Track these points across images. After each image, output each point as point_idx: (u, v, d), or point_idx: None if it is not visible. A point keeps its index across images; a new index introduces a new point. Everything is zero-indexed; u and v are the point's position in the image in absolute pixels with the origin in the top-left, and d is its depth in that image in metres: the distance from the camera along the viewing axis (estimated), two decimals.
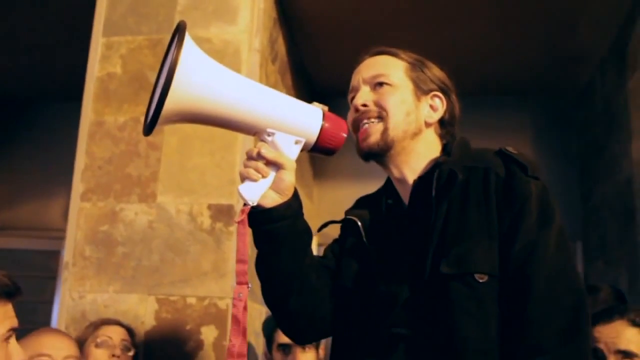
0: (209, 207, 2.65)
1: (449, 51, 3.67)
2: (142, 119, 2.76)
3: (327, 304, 1.54)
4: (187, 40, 1.23)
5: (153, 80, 2.87)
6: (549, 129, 4.43)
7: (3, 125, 5.08)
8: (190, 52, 1.24)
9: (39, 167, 4.89)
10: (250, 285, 1.32)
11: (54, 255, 4.76)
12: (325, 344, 2.60)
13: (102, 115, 2.82)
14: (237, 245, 1.33)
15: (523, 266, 1.32)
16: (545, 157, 4.28)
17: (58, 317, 2.70)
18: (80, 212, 2.73)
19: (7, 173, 5.01)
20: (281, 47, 3.44)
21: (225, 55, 2.75)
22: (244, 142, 2.67)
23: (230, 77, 1.33)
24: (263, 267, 1.47)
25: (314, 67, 4.21)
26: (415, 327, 1.36)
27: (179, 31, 1.24)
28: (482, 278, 1.32)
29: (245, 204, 1.36)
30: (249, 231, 1.37)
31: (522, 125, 4.44)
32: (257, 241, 1.44)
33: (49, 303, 4.59)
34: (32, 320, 4.55)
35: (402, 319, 1.38)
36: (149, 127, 1.26)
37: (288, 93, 1.45)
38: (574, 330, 1.27)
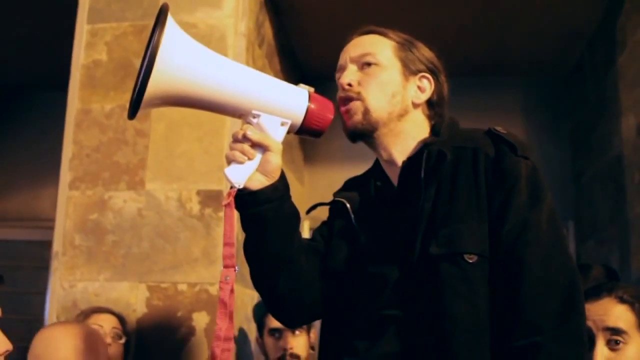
0: (198, 193, 2.64)
1: (438, 32, 3.65)
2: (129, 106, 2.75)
3: (317, 286, 1.54)
4: (170, 22, 1.22)
5: (139, 67, 2.85)
6: (540, 109, 4.42)
7: None
8: (172, 34, 1.23)
9: (29, 157, 4.86)
10: (237, 269, 1.31)
11: (47, 245, 4.73)
12: (316, 327, 2.60)
13: (88, 103, 2.80)
14: (224, 228, 1.33)
15: (514, 246, 1.31)
16: (536, 137, 4.27)
17: (49, 306, 2.69)
18: (69, 200, 2.72)
19: None
20: (268, 31, 3.42)
21: (211, 40, 2.74)
22: (232, 127, 2.66)
23: (213, 59, 1.32)
24: (251, 250, 1.47)
25: (303, 51, 4.18)
26: (405, 309, 1.35)
27: (161, 14, 1.23)
28: (471, 258, 1.31)
29: (231, 187, 1.35)
30: (236, 214, 1.36)
31: (513, 105, 4.43)
32: (245, 224, 1.44)
33: (43, 294, 4.57)
34: (27, 311, 4.55)
35: (392, 300, 1.38)
36: (133, 111, 1.25)
37: (276, 77, 1.43)
38: (569, 309, 1.27)
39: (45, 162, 4.64)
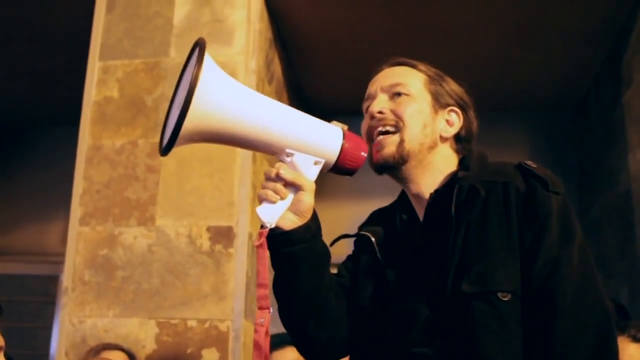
0: (208, 229, 2.64)
1: (445, 68, 3.67)
2: (140, 142, 2.78)
3: (345, 324, 1.51)
4: (207, 58, 1.21)
5: (150, 103, 2.91)
6: (546, 144, 4.43)
7: (1, 149, 5.07)
8: (209, 70, 1.21)
9: (37, 192, 4.87)
10: (271, 310, 1.29)
11: (53, 280, 4.74)
12: None
13: (99, 139, 2.82)
14: (257, 269, 1.30)
15: (547, 283, 1.29)
16: None
17: (58, 342, 2.68)
18: (79, 236, 2.72)
19: (5, 198, 5.00)
20: (277, 67, 3.45)
21: None
22: (242, 163, 2.67)
23: (249, 96, 1.30)
24: (282, 290, 1.43)
25: (310, 87, 4.21)
26: (436, 347, 1.32)
27: (199, 49, 1.21)
28: (505, 297, 1.28)
29: (263, 226, 1.32)
30: (267, 254, 1.34)
31: (519, 140, 4.44)
32: (275, 264, 1.40)
33: (48, 328, 4.56)
34: (32, 345, 4.54)
35: (421, 338, 1.34)
36: (167, 147, 1.23)
37: None
38: (603, 347, 1.25)
39: (52, 197, 4.67)
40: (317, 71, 4.01)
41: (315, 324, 1.44)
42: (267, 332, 1.27)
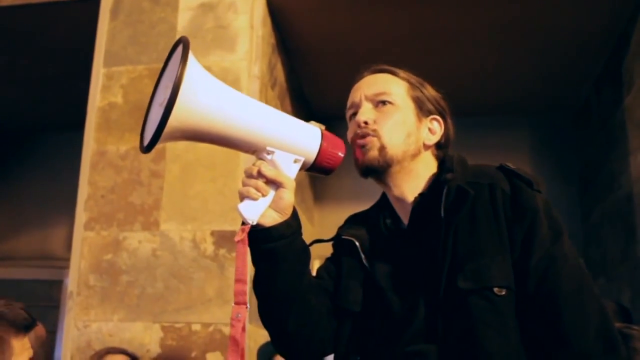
0: (212, 233, 2.66)
1: (447, 71, 3.70)
2: None
3: (326, 324, 1.53)
4: (190, 56, 1.22)
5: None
6: (547, 148, 4.45)
7: (4, 155, 5.10)
8: (193, 68, 1.22)
9: (41, 198, 4.90)
10: (248, 306, 1.31)
11: (57, 285, 4.76)
12: None
13: (104, 145, 2.84)
14: (236, 265, 1.31)
15: (544, 280, 1.32)
16: (544, 176, 4.27)
17: (63, 346, 2.70)
18: (84, 241, 2.74)
19: (9, 203, 5.02)
20: (280, 73, 3.47)
21: (225, 82, 2.75)
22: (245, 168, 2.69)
23: (232, 95, 1.32)
24: (261, 286, 1.45)
25: (312, 92, 4.24)
26: (435, 344, 1.35)
27: (183, 47, 1.22)
28: (500, 291, 1.32)
29: (244, 223, 1.34)
30: (247, 250, 1.37)
31: (520, 144, 4.46)
32: (256, 260, 1.42)
33: (52, 333, 4.58)
34: None
35: (417, 337, 1.37)
36: (150, 145, 1.25)
37: None
38: (611, 338, 1.29)
39: (56, 202, 4.69)
40: (319, 76, 4.04)
41: (294, 322, 1.45)
42: (243, 327, 1.28)
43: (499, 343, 1.30)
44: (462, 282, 1.34)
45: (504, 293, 1.32)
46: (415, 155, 1.50)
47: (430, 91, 1.57)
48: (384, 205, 1.59)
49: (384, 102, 1.51)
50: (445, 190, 1.41)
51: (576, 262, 1.36)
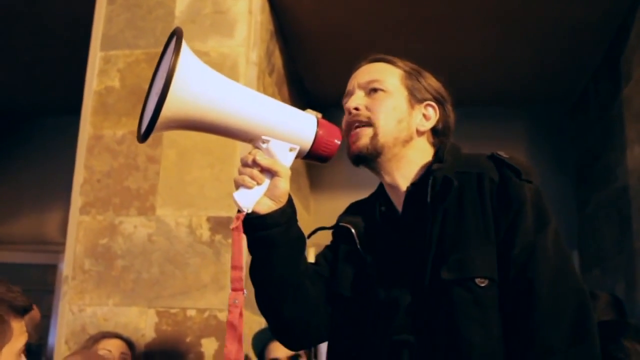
0: (208, 219, 2.66)
1: (445, 62, 3.69)
2: None
3: (322, 310, 1.54)
4: (184, 46, 1.23)
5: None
6: (544, 139, 4.46)
7: (0, 139, 5.08)
8: (186, 59, 1.23)
9: (36, 181, 4.89)
10: (245, 292, 1.32)
11: (52, 269, 4.76)
12: (321, 354, 2.60)
13: (100, 129, 2.83)
14: (232, 252, 1.33)
15: (524, 270, 1.33)
16: (541, 166, 4.29)
17: (58, 330, 2.70)
18: (80, 225, 2.74)
19: (4, 187, 5.02)
20: (278, 59, 3.46)
21: (222, 68, 2.77)
22: (242, 154, 2.67)
23: (226, 84, 1.33)
24: (257, 273, 1.47)
25: (310, 79, 4.23)
26: (418, 334, 1.36)
27: (176, 38, 1.23)
28: (482, 282, 1.33)
29: (239, 211, 1.35)
30: (243, 238, 1.37)
31: (517, 135, 4.47)
32: (252, 247, 1.44)
33: (47, 317, 4.58)
34: None
35: (403, 326, 1.38)
36: (145, 135, 1.25)
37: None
38: (581, 329, 1.29)
39: (52, 186, 4.68)
40: (317, 63, 4.03)
41: (291, 308, 1.48)
42: (241, 313, 1.29)
43: (480, 334, 1.31)
44: (446, 272, 1.35)
45: (485, 284, 1.33)
46: (407, 141, 1.51)
47: (428, 79, 1.58)
48: (381, 192, 1.60)
49: (375, 90, 1.52)
50: (430, 180, 1.42)
51: (558, 253, 1.35)
